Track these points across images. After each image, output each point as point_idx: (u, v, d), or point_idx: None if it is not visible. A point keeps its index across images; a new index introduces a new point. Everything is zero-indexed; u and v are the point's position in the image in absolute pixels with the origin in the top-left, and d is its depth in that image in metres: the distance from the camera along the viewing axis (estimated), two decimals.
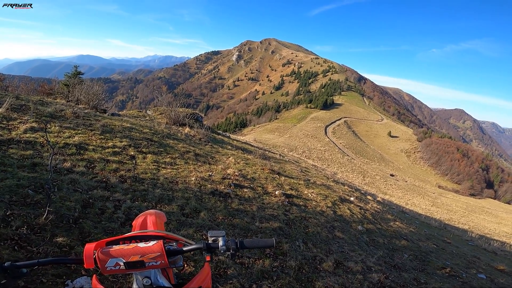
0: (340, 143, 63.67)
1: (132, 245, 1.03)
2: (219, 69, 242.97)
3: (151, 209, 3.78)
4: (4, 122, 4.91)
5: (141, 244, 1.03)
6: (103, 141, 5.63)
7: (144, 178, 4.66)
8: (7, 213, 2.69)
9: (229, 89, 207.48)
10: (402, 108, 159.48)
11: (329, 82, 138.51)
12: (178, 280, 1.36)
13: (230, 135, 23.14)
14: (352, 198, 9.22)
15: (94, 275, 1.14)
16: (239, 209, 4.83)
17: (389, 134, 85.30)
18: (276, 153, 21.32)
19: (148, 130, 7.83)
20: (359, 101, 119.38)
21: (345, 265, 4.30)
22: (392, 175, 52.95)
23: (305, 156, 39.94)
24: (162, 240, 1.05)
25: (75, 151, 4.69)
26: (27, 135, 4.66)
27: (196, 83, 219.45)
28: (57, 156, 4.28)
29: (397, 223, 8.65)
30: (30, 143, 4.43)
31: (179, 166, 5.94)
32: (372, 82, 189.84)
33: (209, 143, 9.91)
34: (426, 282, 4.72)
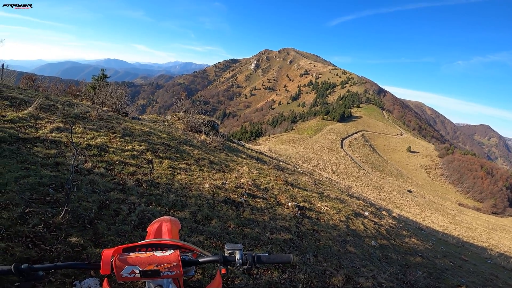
0: (356, 156, 62.37)
1: (149, 253, 1.03)
2: (237, 77, 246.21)
3: (164, 214, 3.84)
4: (32, 121, 5.16)
5: (158, 253, 1.02)
6: (123, 144, 5.80)
7: (159, 182, 4.74)
8: (26, 210, 2.72)
9: (246, 98, 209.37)
10: (423, 123, 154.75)
11: (347, 94, 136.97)
12: None
13: (245, 144, 23.24)
14: (366, 213, 8.96)
15: (106, 279, 1.16)
16: (250, 218, 4.81)
17: (409, 149, 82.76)
18: (290, 164, 21.17)
19: (166, 135, 8.01)
20: (378, 114, 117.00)
21: (355, 280, 4.19)
22: (409, 191, 51.10)
23: (320, 168, 39.37)
24: (178, 250, 1.05)
25: (96, 153, 4.85)
26: (53, 134, 4.87)
27: (214, 91, 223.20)
28: (79, 157, 4.43)
29: (413, 239, 8.33)
30: (55, 142, 4.61)
31: (194, 172, 6.02)
32: (392, 94, 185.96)
33: (224, 151, 9.99)
34: None
